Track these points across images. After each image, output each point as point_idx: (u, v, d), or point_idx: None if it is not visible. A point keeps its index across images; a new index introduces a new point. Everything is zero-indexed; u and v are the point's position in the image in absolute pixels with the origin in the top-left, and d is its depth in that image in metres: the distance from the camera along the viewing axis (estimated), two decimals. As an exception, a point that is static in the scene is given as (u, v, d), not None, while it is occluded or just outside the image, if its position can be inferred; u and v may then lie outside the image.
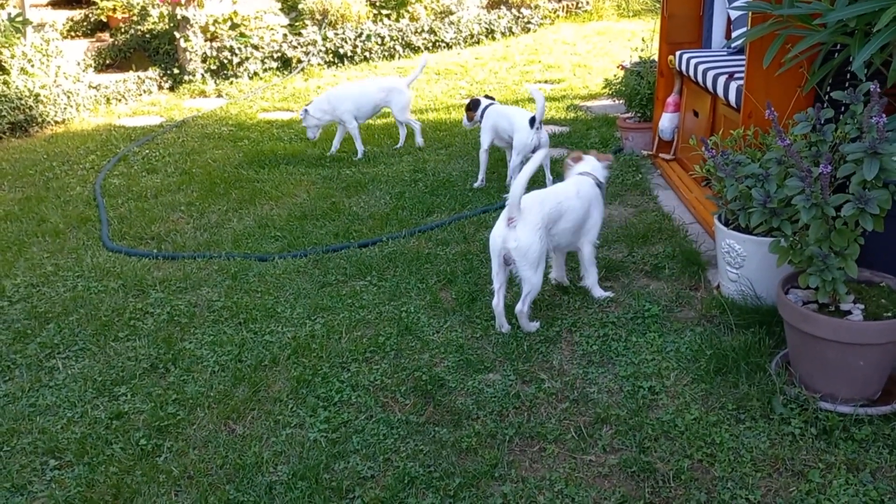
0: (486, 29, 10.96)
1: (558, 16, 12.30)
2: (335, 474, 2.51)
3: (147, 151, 6.45)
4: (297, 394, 2.96)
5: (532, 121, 4.84)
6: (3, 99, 6.82)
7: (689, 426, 2.61)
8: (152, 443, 2.70)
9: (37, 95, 7.07)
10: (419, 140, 6.33)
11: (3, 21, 7.34)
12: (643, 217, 4.49)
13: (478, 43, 10.86)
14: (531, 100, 7.74)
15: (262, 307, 3.67)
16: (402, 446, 2.62)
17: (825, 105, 2.98)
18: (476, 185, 5.29)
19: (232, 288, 3.90)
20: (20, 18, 7.48)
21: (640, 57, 6.17)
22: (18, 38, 7.41)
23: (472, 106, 5.40)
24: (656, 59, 5.63)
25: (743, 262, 3.20)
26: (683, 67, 4.97)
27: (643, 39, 6.53)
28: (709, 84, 4.43)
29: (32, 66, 7.39)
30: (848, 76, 3.40)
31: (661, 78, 5.43)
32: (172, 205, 5.15)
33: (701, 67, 4.58)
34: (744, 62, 3.96)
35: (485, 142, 5.25)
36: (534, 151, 4.79)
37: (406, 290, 3.78)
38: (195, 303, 3.75)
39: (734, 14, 4.74)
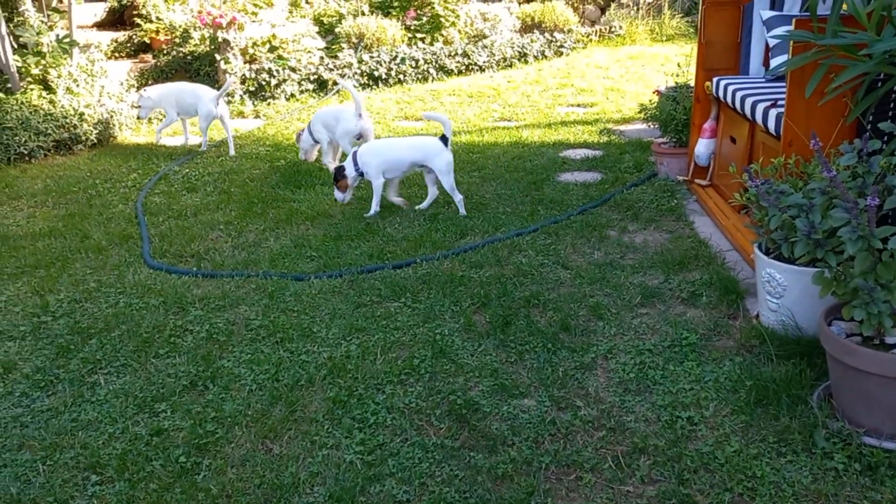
0: (519, 52, 11.03)
1: (591, 40, 12.34)
2: (371, 497, 2.51)
3: (187, 170, 6.58)
4: (333, 414, 2.98)
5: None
6: (49, 117, 7.00)
7: (729, 458, 2.58)
8: (191, 460, 2.73)
9: (81, 114, 7.24)
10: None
11: (51, 42, 7.57)
12: (679, 243, 4.46)
13: (510, 66, 10.94)
14: (564, 123, 7.77)
15: (298, 327, 3.71)
16: (438, 471, 2.63)
17: (870, 135, 2.95)
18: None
19: (269, 307, 3.94)
20: (68, 40, 7.70)
21: (676, 82, 6.16)
22: (65, 59, 7.63)
23: (340, 175, 5.34)
24: (692, 84, 5.62)
25: (784, 292, 3.16)
26: (721, 94, 4.95)
27: (678, 65, 6.53)
28: (747, 111, 4.41)
29: (77, 85, 7.59)
30: (892, 106, 3.36)
31: (697, 104, 5.42)
32: (211, 223, 5.24)
33: (739, 94, 4.57)
34: (782, 89, 3.95)
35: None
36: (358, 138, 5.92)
37: (440, 313, 3.79)
38: (233, 321, 3.80)
39: (773, 41, 4.73)
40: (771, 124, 4.03)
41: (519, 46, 11.04)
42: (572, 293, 3.91)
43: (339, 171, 5.33)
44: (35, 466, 2.74)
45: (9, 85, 7.43)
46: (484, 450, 2.72)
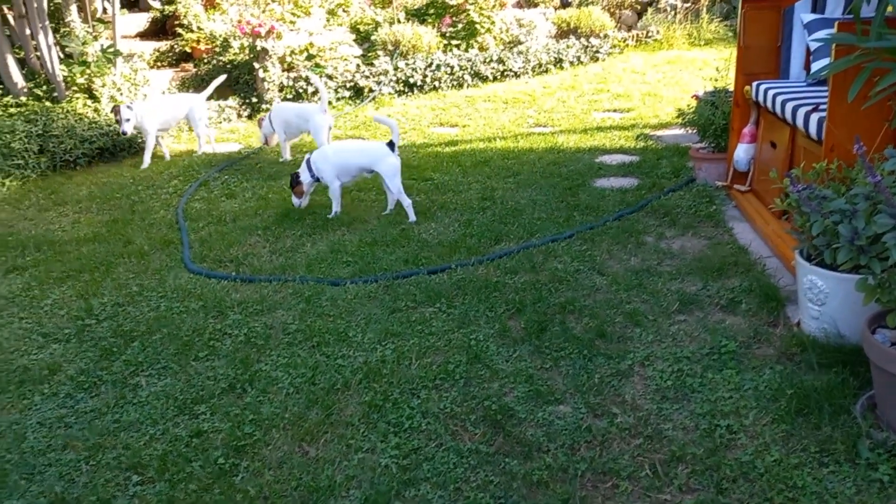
0: (555, 58, 10.99)
1: (627, 45, 12.25)
2: (406, 501, 2.52)
3: (226, 177, 6.69)
4: (369, 418, 3.00)
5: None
6: (93, 125, 7.19)
7: (769, 468, 2.53)
8: (230, 462, 2.77)
9: (125, 122, 7.41)
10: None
11: (96, 52, 7.77)
12: (717, 249, 4.40)
13: (546, 72, 10.91)
14: (600, 128, 7.73)
15: (334, 331, 3.74)
16: (473, 476, 2.63)
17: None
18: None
19: (306, 311, 3.99)
20: (112, 49, 7.90)
21: (715, 86, 6.09)
22: (109, 69, 7.82)
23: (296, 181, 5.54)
24: (731, 88, 5.55)
25: (826, 299, 3.10)
26: (761, 98, 4.88)
27: (717, 69, 6.45)
28: (788, 115, 4.34)
29: (121, 94, 7.78)
30: (938, 109, 3.28)
31: (736, 108, 5.35)
32: (250, 229, 5.32)
33: (780, 98, 4.50)
34: (824, 93, 3.88)
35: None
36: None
37: (475, 318, 3.80)
38: (271, 325, 3.85)
39: (814, 45, 4.65)
40: (812, 129, 3.96)
41: (554, 52, 11.01)
42: (608, 299, 3.88)
43: (295, 177, 5.53)
44: (79, 466, 2.81)
45: (55, 94, 7.64)
46: (519, 456, 2.71)
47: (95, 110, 7.39)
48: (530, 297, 3.94)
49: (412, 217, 5.33)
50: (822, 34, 4.47)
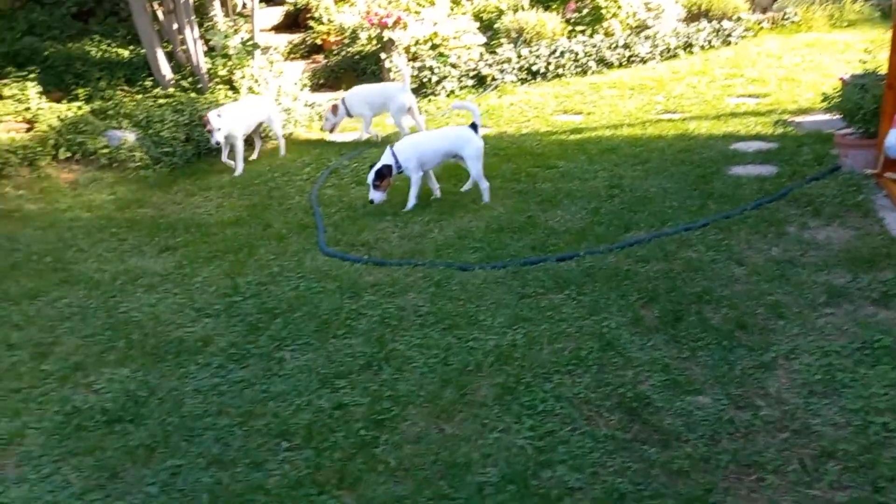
0: (684, 43, 10.61)
1: (762, 28, 11.65)
2: (542, 482, 2.55)
3: (355, 165, 6.91)
4: (502, 400, 3.04)
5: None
6: (233, 115, 7.58)
7: (932, 470, 2.38)
8: (370, 434, 2.89)
9: (261, 112, 7.79)
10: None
11: (236, 45, 8.20)
12: (867, 240, 4.15)
13: (674, 57, 10.55)
14: (734, 114, 7.42)
15: (464, 315, 3.81)
16: (609, 461, 2.62)
17: None
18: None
19: (436, 295, 4.08)
20: (251, 42, 8.31)
21: (864, 69, 5.71)
22: (248, 61, 8.24)
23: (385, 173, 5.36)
24: (883, 71, 5.18)
25: None
26: (919, 79, 4.54)
27: (866, 50, 6.04)
28: (952, 97, 4.02)
29: (258, 85, 8.18)
30: None
31: (889, 91, 4.99)
32: (379, 214, 5.48)
33: (943, 79, 4.17)
34: None
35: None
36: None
37: (606, 306, 3.76)
38: (403, 307, 3.96)
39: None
40: (983, 111, 3.65)
41: (684, 36, 10.63)
42: (748, 290, 3.74)
43: (386, 170, 5.32)
44: (233, 431, 3.01)
45: (199, 85, 8.13)
46: (657, 444, 2.67)
47: (235, 100, 7.80)
48: (664, 287, 3.86)
49: (486, 199, 5.49)
50: None
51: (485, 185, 5.49)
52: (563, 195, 5.52)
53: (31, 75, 8.04)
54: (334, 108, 7.55)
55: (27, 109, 7.46)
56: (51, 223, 5.77)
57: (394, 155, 5.44)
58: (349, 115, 7.53)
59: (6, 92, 7.65)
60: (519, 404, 3.00)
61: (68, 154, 6.92)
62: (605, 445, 2.70)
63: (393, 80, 9.06)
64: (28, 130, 7.21)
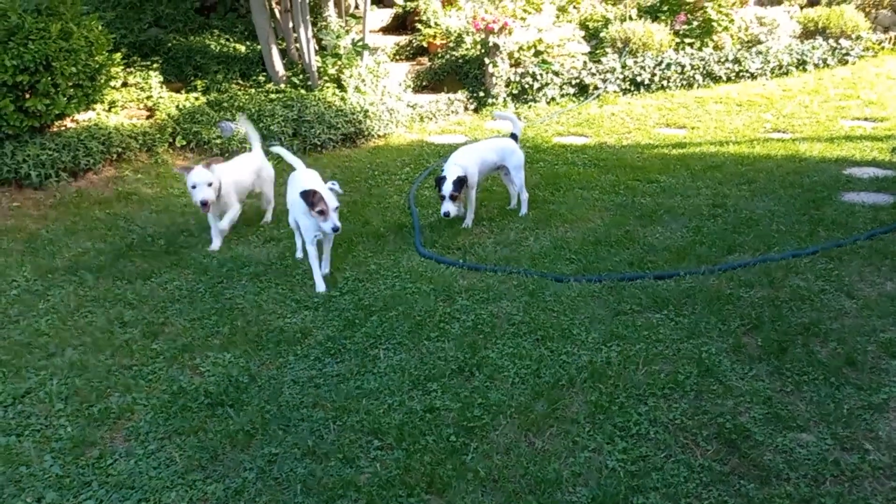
0: (797, 59, 10.20)
1: (883, 48, 11.07)
2: (633, 506, 2.51)
3: (453, 167, 6.96)
4: (594, 419, 3.01)
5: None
6: (339, 113, 7.80)
7: None
8: (460, 440, 2.91)
9: (366, 111, 7.97)
10: None
11: (347, 45, 8.41)
12: None
13: (786, 74, 10.16)
14: (848, 138, 7.07)
15: (557, 327, 3.79)
16: (705, 493, 2.55)
17: None
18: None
19: (529, 304, 4.07)
20: (361, 43, 8.51)
21: None
22: (357, 61, 8.44)
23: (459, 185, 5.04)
24: None
25: None
26: None
27: None
28: None
29: (364, 84, 8.37)
30: None
31: None
32: (475, 219, 5.50)
33: None
34: None
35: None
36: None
37: (706, 330, 3.66)
38: (496, 314, 3.98)
39: None
40: None
41: (798, 53, 10.22)
42: (859, 325, 3.57)
43: (461, 182, 5.01)
44: (327, 425, 3.09)
45: (309, 83, 8.39)
46: (755, 479, 2.59)
47: (342, 99, 8.01)
48: (768, 314, 3.72)
49: (524, 210, 5.55)
50: None
51: (525, 195, 5.58)
52: (663, 211, 5.41)
53: (154, 65, 8.51)
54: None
55: (149, 98, 7.89)
56: (165, 207, 6.08)
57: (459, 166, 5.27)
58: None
59: (130, 80, 8.11)
60: (612, 424, 2.96)
61: (184, 142, 7.28)
62: (700, 476, 2.63)
63: (495, 94, 9.06)
64: (148, 118, 7.62)
